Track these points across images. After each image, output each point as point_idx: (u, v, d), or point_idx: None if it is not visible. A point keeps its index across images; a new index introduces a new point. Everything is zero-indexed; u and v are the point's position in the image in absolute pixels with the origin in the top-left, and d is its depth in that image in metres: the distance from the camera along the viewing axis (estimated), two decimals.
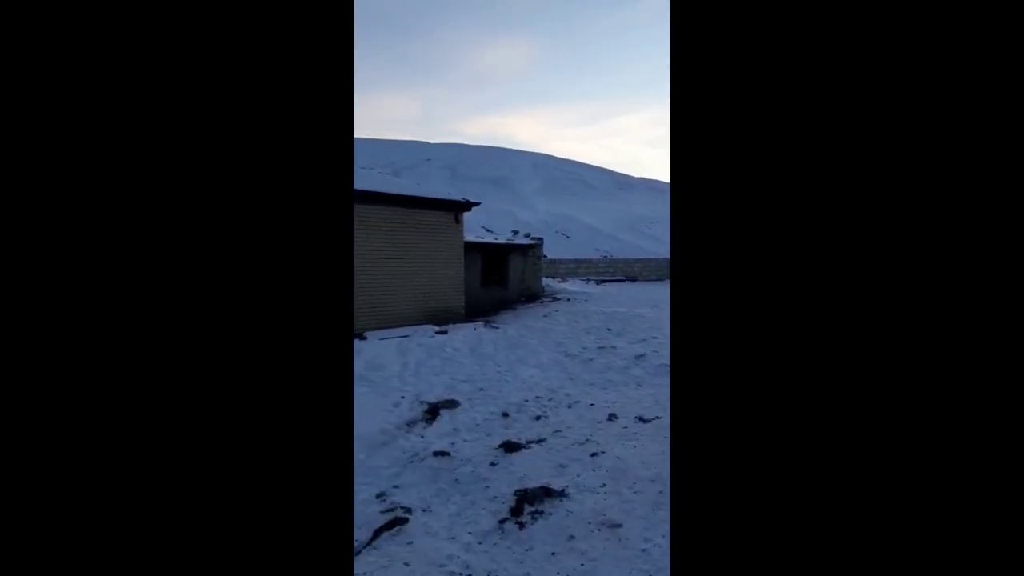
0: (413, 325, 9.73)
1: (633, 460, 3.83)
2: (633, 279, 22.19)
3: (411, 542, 3.02)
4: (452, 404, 5.35)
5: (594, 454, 4.01)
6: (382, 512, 3.41)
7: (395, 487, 3.75)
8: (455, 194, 11.86)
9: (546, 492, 3.44)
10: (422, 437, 4.65)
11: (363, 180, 10.20)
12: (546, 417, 4.97)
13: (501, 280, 13.54)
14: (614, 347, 7.50)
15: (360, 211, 9.45)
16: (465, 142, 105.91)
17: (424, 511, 3.40)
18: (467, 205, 11.30)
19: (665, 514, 3.08)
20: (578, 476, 3.66)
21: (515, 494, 3.49)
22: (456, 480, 3.80)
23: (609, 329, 8.75)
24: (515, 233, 16.33)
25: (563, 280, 19.51)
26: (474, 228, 14.57)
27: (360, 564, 2.81)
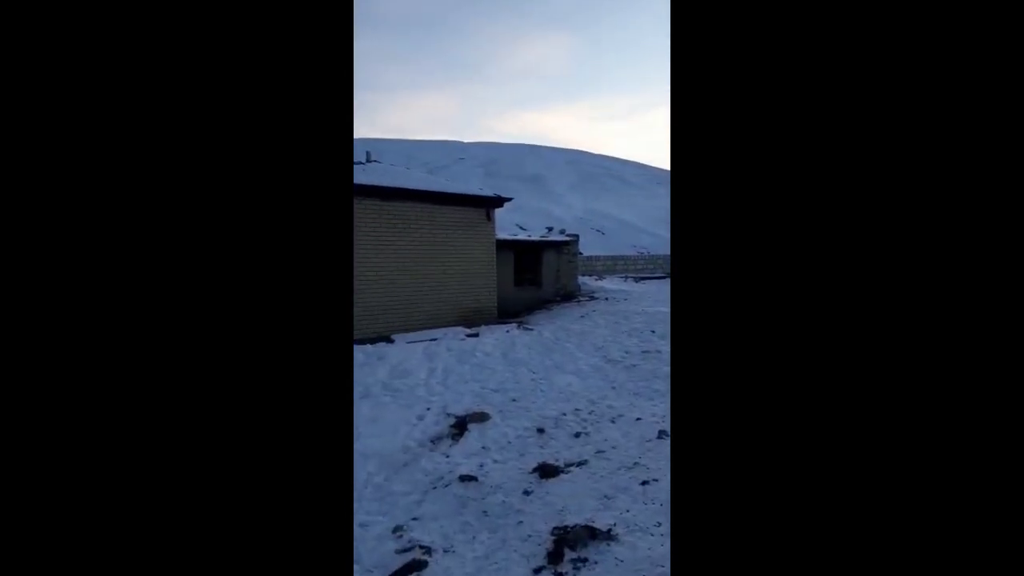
0: (443, 327, 9.30)
1: None
2: None
3: None
4: (482, 417, 4.85)
5: (645, 482, 3.43)
6: (398, 552, 2.93)
7: (414, 519, 3.27)
8: (488, 192, 11.38)
9: (590, 532, 2.89)
10: (447, 457, 4.16)
11: (390, 176, 9.82)
12: (587, 434, 4.41)
13: (535, 279, 13.00)
14: (659, 351, 6.86)
15: (388, 208, 9.06)
16: (499, 140, 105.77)
17: (446, 551, 2.90)
18: (499, 201, 10.80)
19: None
20: (627, 511, 3.09)
21: (553, 533, 2.95)
22: (484, 512, 3.29)
23: (653, 331, 8.09)
24: (549, 230, 15.75)
25: (600, 278, 18.81)
26: (507, 226, 14.06)
27: None
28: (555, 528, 3.00)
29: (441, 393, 5.63)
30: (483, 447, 4.30)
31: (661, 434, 4.27)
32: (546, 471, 3.73)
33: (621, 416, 4.79)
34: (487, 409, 5.06)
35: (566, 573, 2.64)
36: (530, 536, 2.98)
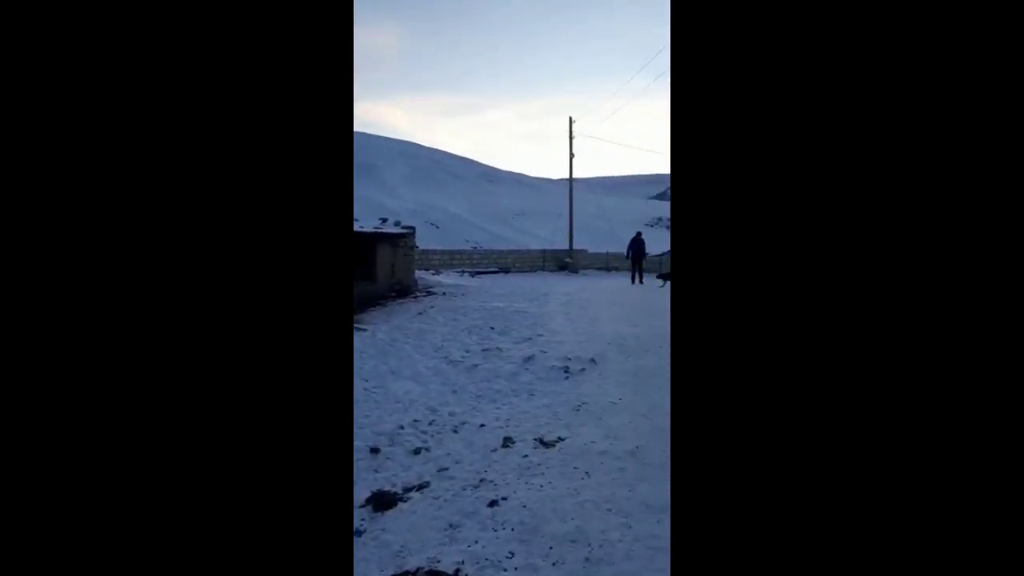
0: None
1: (544, 509, 3.01)
2: (507, 270, 21.79)
3: None
4: None
5: (493, 503, 3.12)
6: None
7: None
8: None
9: None
10: None
11: None
12: (427, 449, 3.99)
13: (368, 274, 12.14)
14: (499, 349, 6.69)
15: None
16: None
17: None
18: None
19: None
20: (476, 543, 2.75)
21: None
22: None
23: (492, 328, 7.93)
24: (383, 221, 14.90)
25: (437, 272, 18.44)
26: None
27: None
28: None
29: None
30: None
31: (506, 441, 4.02)
32: (381, 502, 3.23)
33: (464, 424, 4.45)
34: None
35: None
36: None
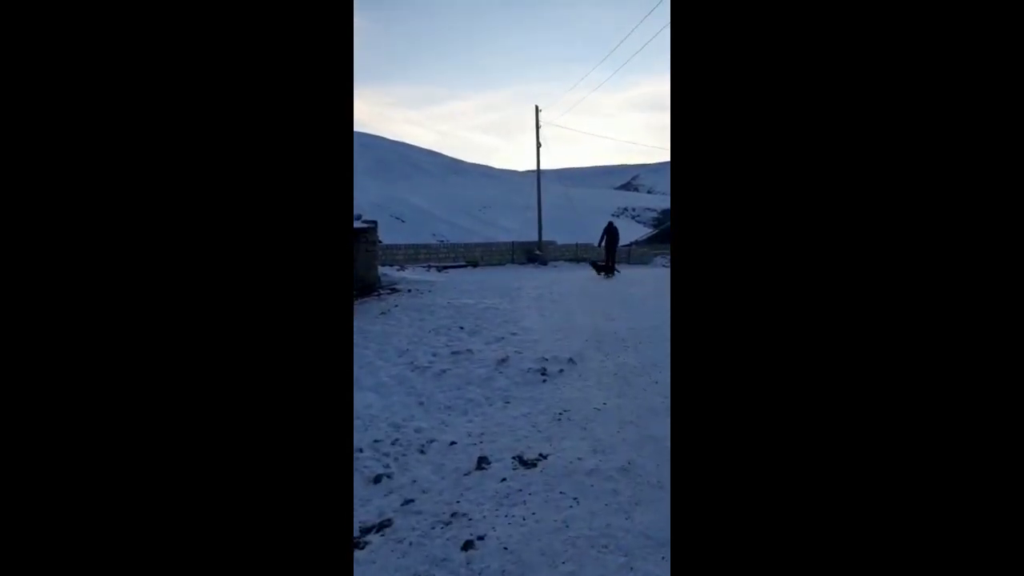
0: None
1: (529, 550, 2.52)
2: (475, 264, 21.23)
3: None
4: None
5: (468, 544, 2.62)
6: None
7: None
8: None
9: None
10: None
11: None
12: (389, 476, 3.45)
13: None
14: (470, 351, 6.18)
15: None
16: None
17: None
18: None
19: None
20: None
21: None
22: None
23: (461, 327, 7.40)
24: None
25: (402, 268, 17.73)
26: None
27: None
28: None
29: None
30: None
31: (481, 463, 3.52)
32: None
33: (432, 442, 3.93)
34: None
35: None
36: None
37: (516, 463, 3.50)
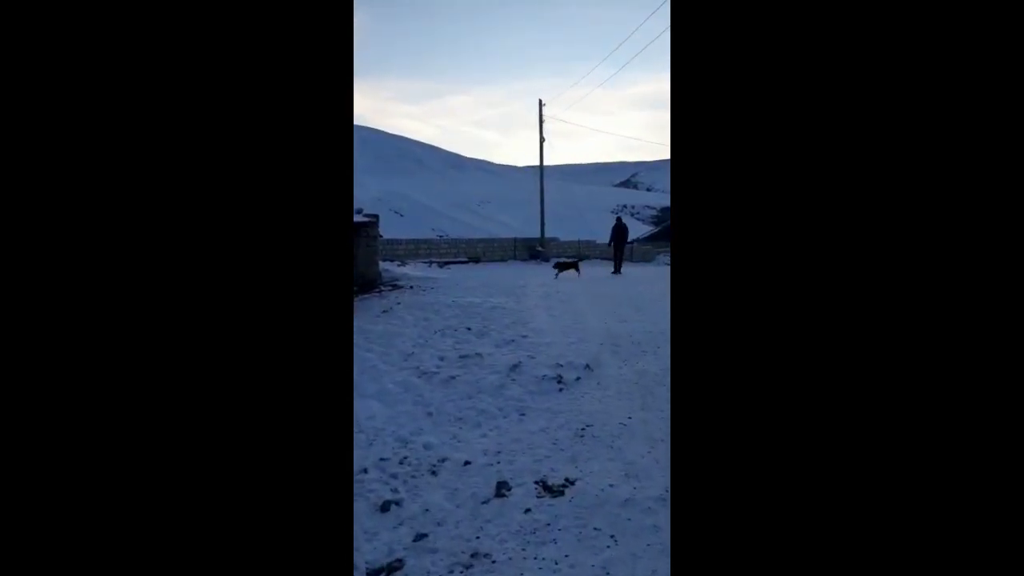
0: None
1: None
2: (476, 260, 20.84)
3: None
4: None
5: None
6: None
7: None
8: None
9: None
10: None
11: None
12: (398, 503, 3.07)
13: None
14: (479, 355, 5.80)
15: None
16: None
17: None
18: None
19: None
20: None
21: None
22: None
23: (469, 328, 7.02)
24: None
25: (403, 263, 17.33)
26: None
27: None
28: None
29: None
30: None
31: (500, 488, 3.14)
32: None
33: (444, 461, 3.55)
34: None
35: None
36: None
37: (540, 489, 3.13)
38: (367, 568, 2.50)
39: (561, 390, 4.87)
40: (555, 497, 3.03)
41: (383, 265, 14.75)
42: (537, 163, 23.43)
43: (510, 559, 2.48)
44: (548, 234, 23.80)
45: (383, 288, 11.67)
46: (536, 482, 3.20)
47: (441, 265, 18.01)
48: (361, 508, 3.02)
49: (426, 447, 3.75)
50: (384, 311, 8.67)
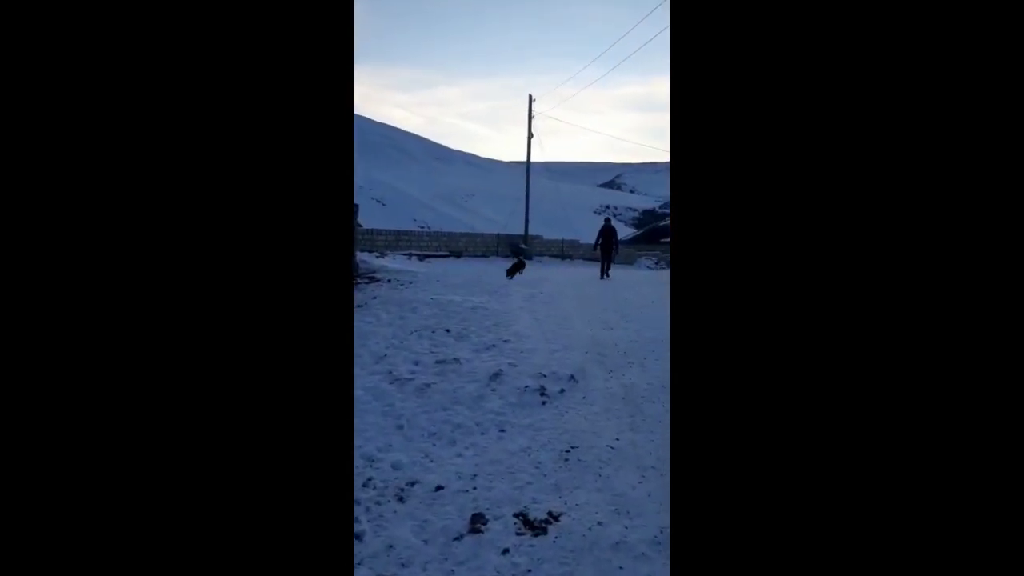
0: None
1: None
2: (458, 254, 20.43)
3: None
4: None
5: None
6: None
7: None
8: None
9: None
10: None
11: None
12: (359, 536, 2.69)
13: None
14: (457, 360, 5.44)
15: None
16: None
17: None
18: None
19: None
20: None
21: None
22: None
23: (447, 330, 6.64)
24: None
25: (382, 255, 16.82)
26: None
27: None
28: None
29: None
30: None
31: (476, 521, 2.79)
32: None
33: (414, 485, 3.18)
34: None
35: None
36: None
37: (520, 524, 2.79)
38: None
39: (544, 403, 4.54)
40: (537, 535, 2.69)
41: (361, 256, 14.23)
42: (524, 159, 23.05)
43: None
44: (532, 232, 23.47)
45: (359, 280, 11.18)
46: (516, 515, 2.86)
47: (421, 259, 17.55)
48: None
49: (395, 467, 3.38)
50: (359, 305, 8.23)
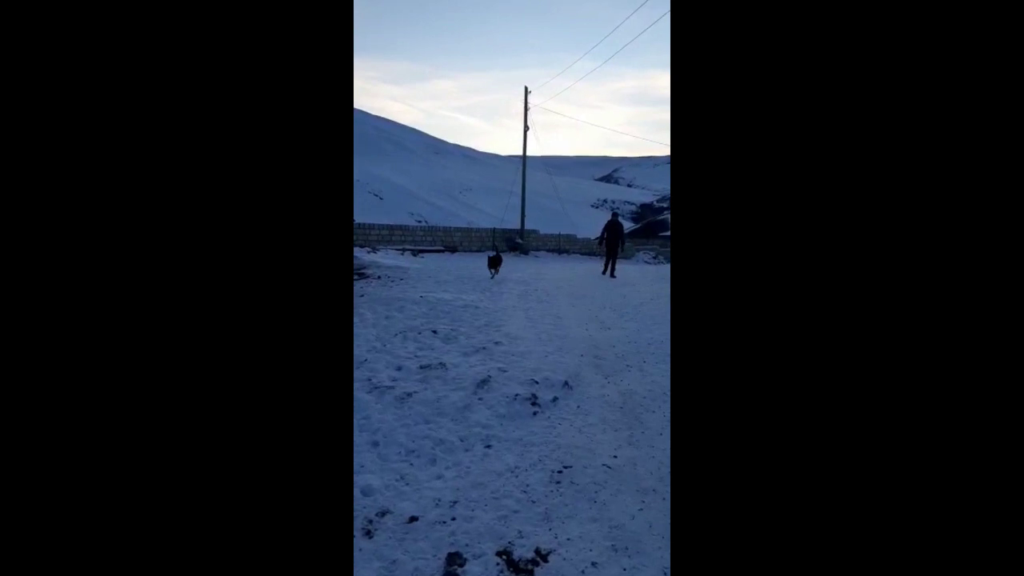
0: None
1: None
2: (453, 249, 20.02)
3: None
4: None
5: None
6: None
7: None
8: None
9: None
10: None
11: None
12: None
13: None
14: (443, 365, 5.07)
15: None
16: None
17: None
18: None
19: None
20: None
21: None
22: None
23: (435, 331, 6.26)
24: None
25: (374, 250, 16.42)
26: None
27: None
28: None
29: None
30: None
31: (452, 563, 2.43)
32: None
33: (384, 515, 2.82)
34: None
35: None
36: None
37: (502, 564, 2.42)
38: None
39: (535, 414, 4.18)
40: None
41: (355, 251, 13.84)
42: (520, 153, 22.60)
43: None
44: (528, 226, 23.06)
45: None
46: (499, 553, 2.50)
47: (415, 254, 17.15)
48: None
49: (365, 493, 3.01)
50: None
